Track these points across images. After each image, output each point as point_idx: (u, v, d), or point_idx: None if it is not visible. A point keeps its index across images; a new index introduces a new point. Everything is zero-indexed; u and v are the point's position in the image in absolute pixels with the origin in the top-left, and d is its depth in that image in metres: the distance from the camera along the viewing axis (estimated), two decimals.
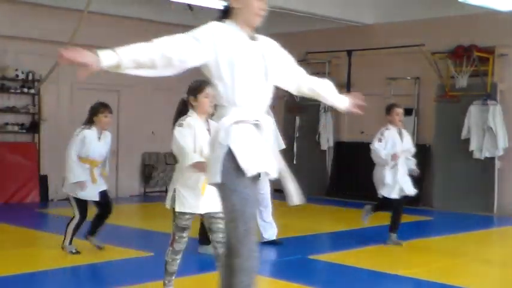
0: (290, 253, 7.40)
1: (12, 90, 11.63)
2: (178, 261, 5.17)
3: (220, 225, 4.81)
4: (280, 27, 14.15)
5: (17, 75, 11.60)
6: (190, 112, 4.93)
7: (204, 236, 7.23)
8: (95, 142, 7.09)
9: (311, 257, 7.25)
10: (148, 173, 13.42)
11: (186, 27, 13.88)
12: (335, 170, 13.57)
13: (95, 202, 7.18)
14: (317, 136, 13.61)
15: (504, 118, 11.31)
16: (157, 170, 13.28)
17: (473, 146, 11.50)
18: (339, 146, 13.62)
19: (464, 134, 11.61)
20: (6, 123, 11.63)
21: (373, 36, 12.90)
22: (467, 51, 11.44)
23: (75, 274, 6.31)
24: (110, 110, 7.01)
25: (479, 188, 11.56)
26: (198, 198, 4.89)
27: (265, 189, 7.72)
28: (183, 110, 5.02)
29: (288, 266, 6.97)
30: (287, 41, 15.58)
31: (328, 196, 13.05)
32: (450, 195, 11.84)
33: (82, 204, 7.09)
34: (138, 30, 12.90)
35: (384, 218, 8.85)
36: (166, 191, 13.99)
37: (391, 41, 12.49)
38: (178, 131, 4.83)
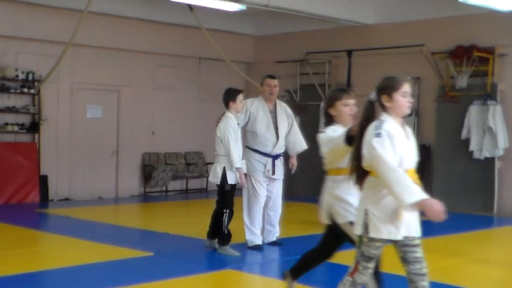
0: (290, 253, 7.39)
1: (12, 90, 11.63)
2: None
3: (419, 254, 4.11)
4: (280, 27, 14.18)
5: (17, 75, 11.59)
6: (384, 116, 4.05)
7: (222, 236, 7.17)
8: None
9: None
10: (148, 173, 13.41)
11: (186, 27, 13.88)
12: None
13: None
14: (317, 136, 13.59)
15: (504, 118, 11.31)
16: (157, 170, 13.27)
17: (473, 146, 11.49)
18: None
19: (464, 134, 11.61)
20: (6, 123, 11.63)
21: (373, 36, 12.89)
22: (467, 51, 11.43)
23: (75, 274, 6.29)
24: (351, 94, 4.89)
25: (479, 188, 11.56)
26: (396, 220, 4.01)
27: (276, 193, 7.70)
28: (371, 114, 4.13)
29: (288, 266, 6.96)
30: (287, 41, 15.50)
31: None
32: (450, 195, 11.83)
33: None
34: (138, 30, 12.92)
35: None
36: (166, 191, 14.06)
37: (391, 41, 12.49)
38: (378, 143, 3.89)
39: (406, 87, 4.06)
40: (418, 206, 3.85)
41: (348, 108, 4.66)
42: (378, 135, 3.91)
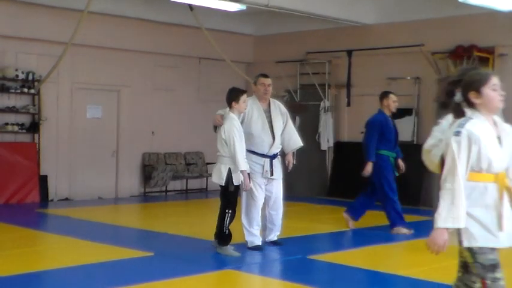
0: (290, 253, 7.40)
1: (12, 90, 11.62)
2: None
3: None
4: (280, 27, 14.18)
5: (17, 75, 11.59)
6: (472, 113, 3.73)
7: (223, 236, 7.15)
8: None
9: (311, 257, 7.25)
10: (148, 173, 13.41)
11: (186, 27, 13.87)
12: (335, 170, 13.57)
13: None
14: (317, 136, 13.61)
15: (504, 118, 11.29)
16: (157, 170, 13.27)
17: None
18: (339, 146, 13.62)
19: None
20: (6, 123, 11.63)
21: (373, 36, 12.89)
22: (467, 51, 11.44)
23: (75, 274, 6.30)
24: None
25: None
26: (495, 225, 3.68)
27: (276, 192, 7.68)
28: (458, 115, 3.79)
29: (288, 266, 6.98)
30: (287, 41, 15.46)
31: (328, 196, 13.05)
32: None
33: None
34: (138, 30, 12.92)
35: (383, 218, 8.85)
36: (166, 191, 14.05)
37: (391, 41, 12.48)
38: (456, 141, 3.60)
39: (495, 80, 3.75)
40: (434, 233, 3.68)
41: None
42: (458, 133, 3.62)
